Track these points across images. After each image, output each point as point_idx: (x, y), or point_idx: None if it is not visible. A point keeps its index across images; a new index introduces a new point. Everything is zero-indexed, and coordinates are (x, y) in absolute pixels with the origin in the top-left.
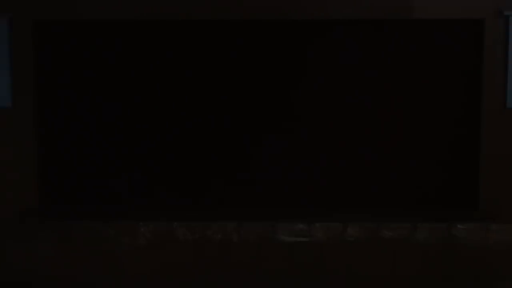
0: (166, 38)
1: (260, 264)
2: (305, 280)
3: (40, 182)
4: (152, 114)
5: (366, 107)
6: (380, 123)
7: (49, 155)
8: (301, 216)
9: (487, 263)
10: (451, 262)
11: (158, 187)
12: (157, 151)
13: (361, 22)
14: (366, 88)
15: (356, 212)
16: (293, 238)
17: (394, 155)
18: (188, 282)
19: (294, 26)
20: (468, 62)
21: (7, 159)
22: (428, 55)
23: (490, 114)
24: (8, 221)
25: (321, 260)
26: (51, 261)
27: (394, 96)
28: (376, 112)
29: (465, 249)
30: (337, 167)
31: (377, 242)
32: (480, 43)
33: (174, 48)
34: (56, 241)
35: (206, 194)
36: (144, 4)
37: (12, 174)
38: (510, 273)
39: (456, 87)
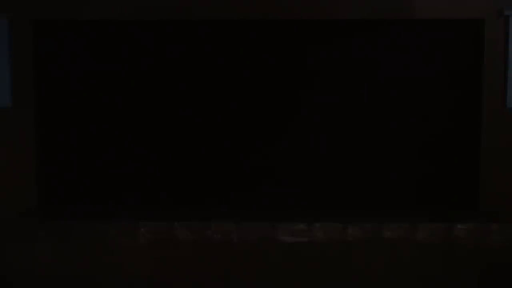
0: (168, 38)
1: (260, 264)
2: (305, 280)
3: (39, 182)
4: (153, 114)
5: (365, 107)
6: (380, 123)
7: (48, 155)
8: (301, 217)
9: (487, 263)
10: (451, 262)
11: (158, 187)
12: (158, 151)
13: (360, 22)
14: (366, 88)
15: (356, 213)
16: (293, 238)
17: (394, 155)
18: (188, 282)
19: (294, 26)
20: (468, 62)
21: (7, 159)
22: (428, 55)
23: (490, 114)
24: (8, 221)
25: (321, 260)
26: (51, 261)
27: (394, 96)
28: (376, 112)
29: (465, 249)
30: (337, 167)
31: (377, 242)
32: (480, 43)
33: (177, 48)
34: (56, 241)
35: (207, 194)
36: (145, 4)
37: (12, 174)
38: (510, 273)
39: (456, 87)
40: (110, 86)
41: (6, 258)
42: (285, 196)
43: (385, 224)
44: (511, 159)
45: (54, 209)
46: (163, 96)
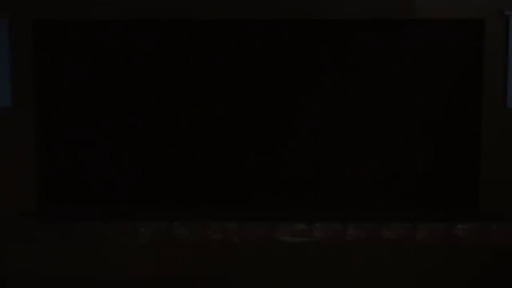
0: (170, 38)
1: (260, 264)
2: (305, 280)
3: (40, 182)
4: (153, 114)
5: (365, 107)
6: (379, 122)
7: (49, 155)
8: (301, 216)
9: (487, 263)
10: (451, 262)
11: (158, 186)
12: (158, 151)
13: (360, 22)
14: (365, 88)
15: (356, 213)
16: (293, 238)
17: (393, 155)
18: (188, 282)
19: (294, 26)
20: (468, 62)
21: (7, 159)
22: (428, 55)
23: (490, 114)
24: (8, 221)
25: (321, 260)
26: (51, 261)
27: (394, 96)
28: (376, 112)
29: (465, 249)
30: (337, 167)
31: (377, 242)
32: (480, 43)
33: (179, 48)
34: (56, 241)
35: (207, 194)
36: (146, 4)
37: (12, 174)
38: (510, 273)
39: (456, 87)
40: (110, 86)
41: (6, 258)
42: (285, 196)
43: (385, 224)
44: (511, 159)
45: (54, 209)
46: (163, 96)
